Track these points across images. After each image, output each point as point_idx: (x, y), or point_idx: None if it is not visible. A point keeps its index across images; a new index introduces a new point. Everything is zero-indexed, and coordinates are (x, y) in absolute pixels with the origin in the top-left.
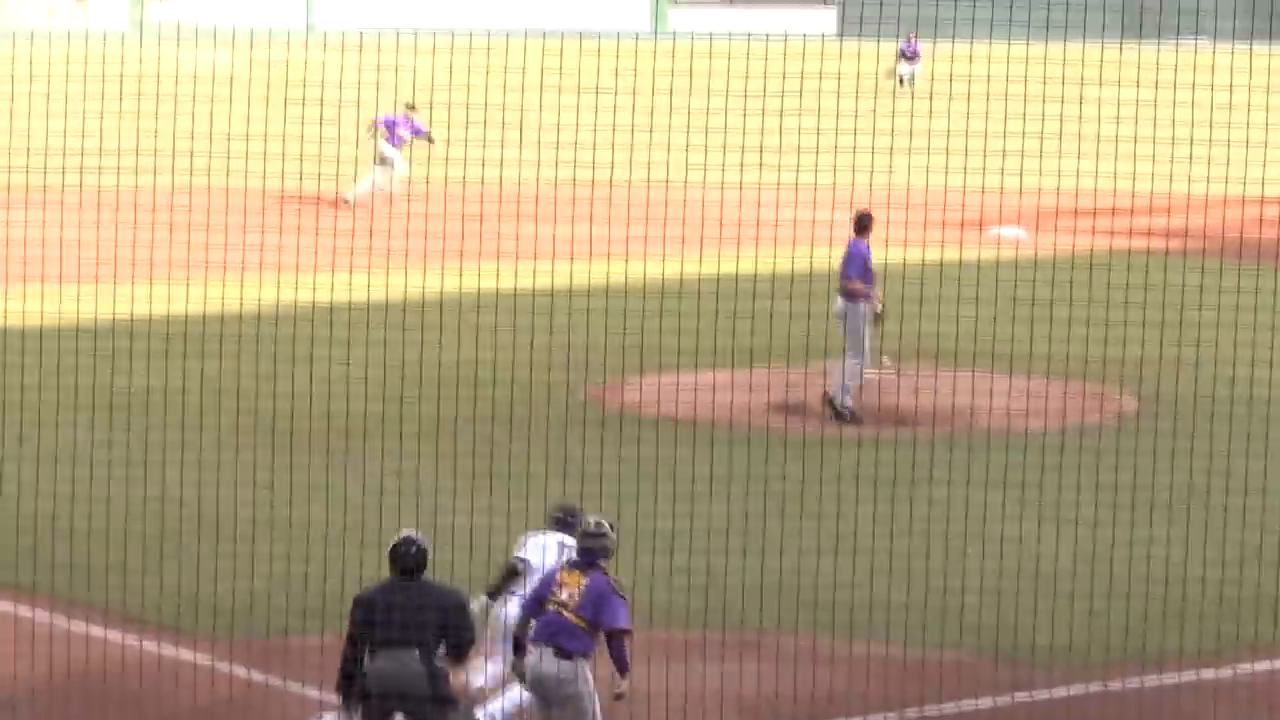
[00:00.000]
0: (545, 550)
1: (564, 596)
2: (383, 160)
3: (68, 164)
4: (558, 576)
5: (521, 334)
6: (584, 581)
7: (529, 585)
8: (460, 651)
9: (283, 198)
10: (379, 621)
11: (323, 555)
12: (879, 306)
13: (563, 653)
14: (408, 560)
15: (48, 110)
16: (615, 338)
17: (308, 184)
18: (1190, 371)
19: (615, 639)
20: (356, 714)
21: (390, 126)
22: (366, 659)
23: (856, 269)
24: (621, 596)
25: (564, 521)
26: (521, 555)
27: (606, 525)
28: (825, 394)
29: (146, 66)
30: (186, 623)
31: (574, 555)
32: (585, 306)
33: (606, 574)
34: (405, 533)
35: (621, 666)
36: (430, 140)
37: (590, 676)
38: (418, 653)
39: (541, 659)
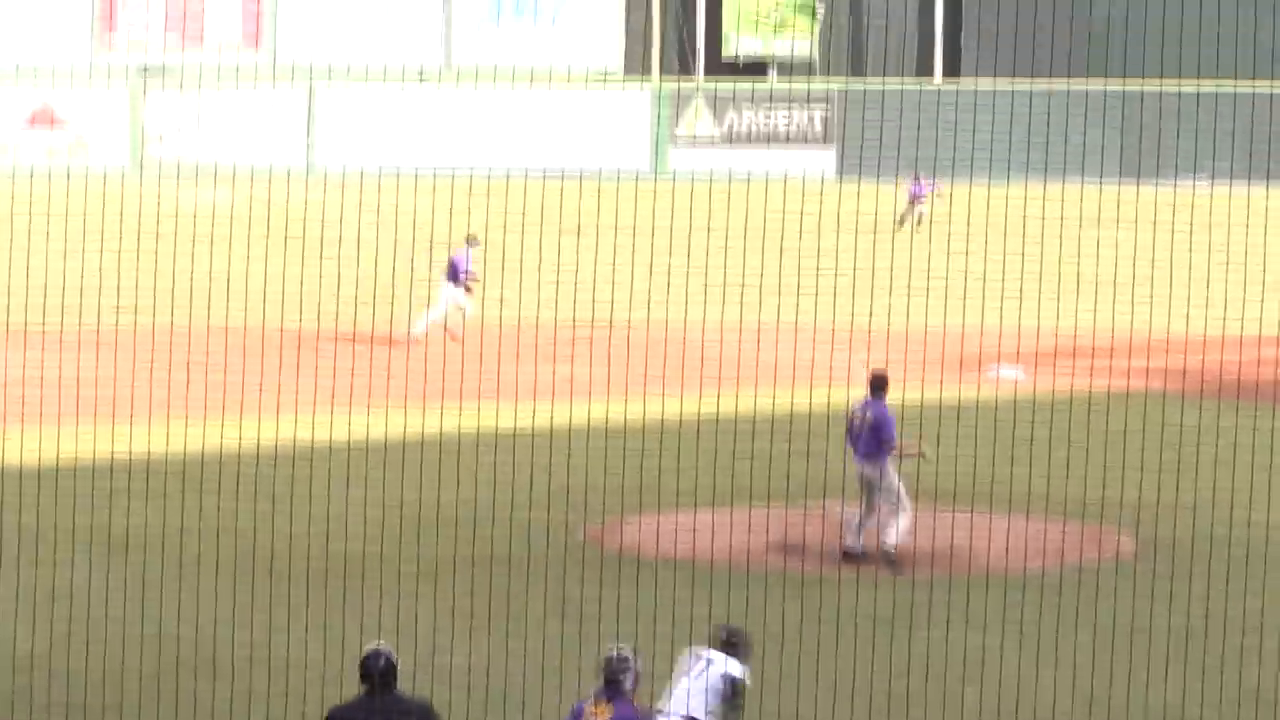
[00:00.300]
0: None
1: None
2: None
3: (68, 303)
4: (587, 708)
5: (520, 473)
6: (611, 712)
7: None
8: None
9: (282, 335)
10: None
11: (320, 695)
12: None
13: None
14: (375, 671)
15: (48, 249)
16: (614, 477)
17: (308, 323)
18: (1188, 513)
19: None
20: None
21: (455, 265)
22: None
23: (889, 432)
24: None
25: (728, 644)
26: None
27: (630, 655)
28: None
29: (147, 205)
30: None
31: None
32: (585, 446)
33: (632, 702)
34: (373, 644)
35: None
36: (468, 286)
37: None
38: None
39: None
